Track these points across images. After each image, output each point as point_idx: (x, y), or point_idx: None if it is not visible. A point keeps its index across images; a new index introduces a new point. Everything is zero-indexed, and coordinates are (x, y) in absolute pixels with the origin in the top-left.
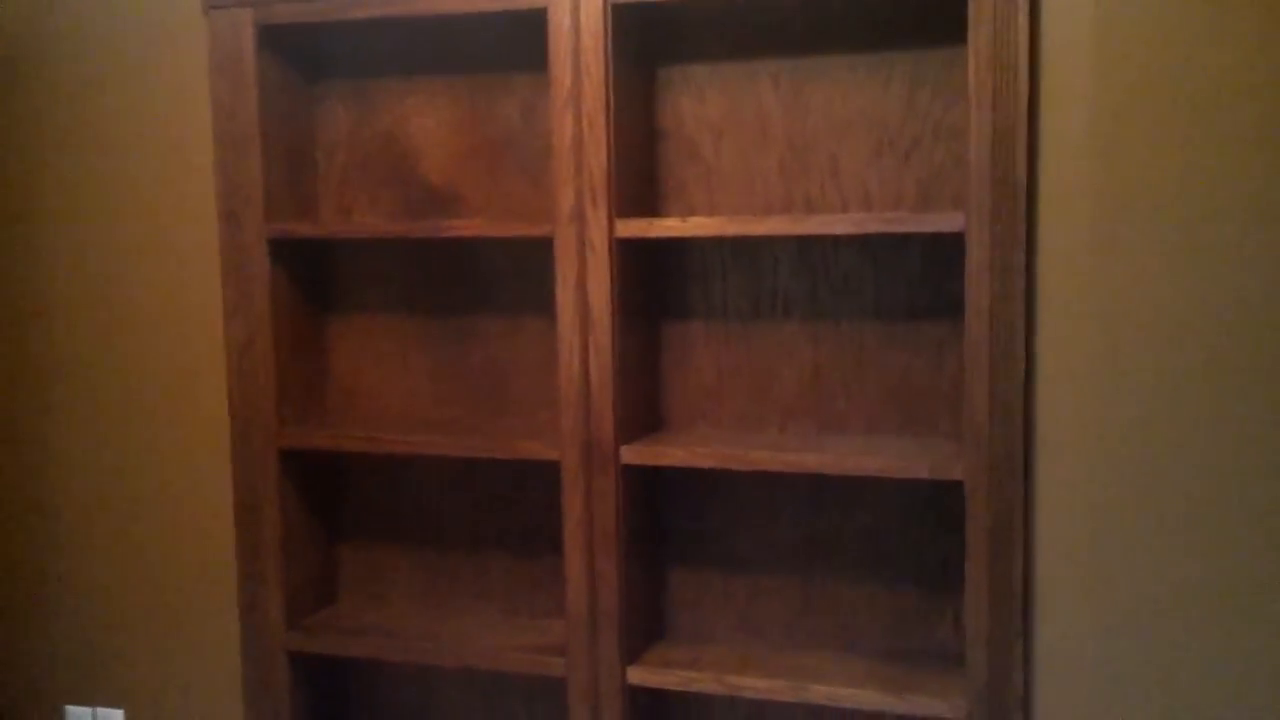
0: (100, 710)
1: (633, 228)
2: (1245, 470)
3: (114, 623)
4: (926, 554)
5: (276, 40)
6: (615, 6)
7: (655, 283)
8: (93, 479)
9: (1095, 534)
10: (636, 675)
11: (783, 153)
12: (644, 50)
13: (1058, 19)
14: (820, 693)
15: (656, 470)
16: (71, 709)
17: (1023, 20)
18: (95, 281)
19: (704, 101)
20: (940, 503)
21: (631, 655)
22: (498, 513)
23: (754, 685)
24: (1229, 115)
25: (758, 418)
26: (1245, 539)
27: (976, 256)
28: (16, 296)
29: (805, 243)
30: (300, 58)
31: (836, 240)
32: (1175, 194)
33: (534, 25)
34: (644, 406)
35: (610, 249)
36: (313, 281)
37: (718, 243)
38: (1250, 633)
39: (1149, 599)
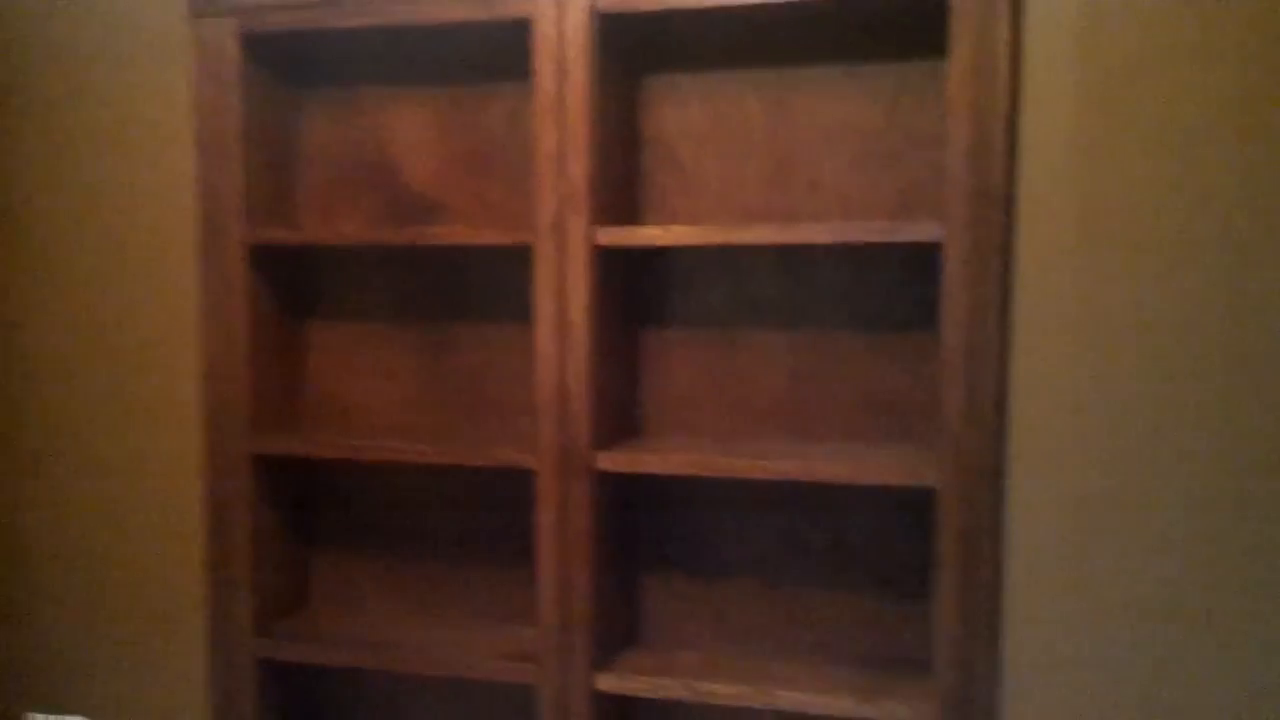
0: (67, 718)
1: (613, 236)
2: (1218, 479)
3: (81, 630)
4: (898, 561)
5: (261, 48)
6: (600, 15)
7: (635, 290)
8: (63, 483)
9: (1067, 543)
10: (605, 683)
11: (764, 162)
12: (628, 59)
13: (1040, 32)
14: (788, 699)
15: (632, 477)
16: (36, 717)
17: (1004, 33)
18: (73, 285)
19: (687, 110)
20: (913, 510)
21: (603, 662)
22: (472, 519)
23: (722, 691)
24: (1209, 128)
25: (734, 425)
26: (1218, 548)
27: (954, 267)
28: None
29: (785, 251)
30: (284, 66)
31: (816, 249)
32: (1154, 206)
33: (518, 33)
34: (621, 413)
35: (590, 257)
36: (292, 287)
37: (698, 251)
38: (1223, 641)
39: (1119, 608)
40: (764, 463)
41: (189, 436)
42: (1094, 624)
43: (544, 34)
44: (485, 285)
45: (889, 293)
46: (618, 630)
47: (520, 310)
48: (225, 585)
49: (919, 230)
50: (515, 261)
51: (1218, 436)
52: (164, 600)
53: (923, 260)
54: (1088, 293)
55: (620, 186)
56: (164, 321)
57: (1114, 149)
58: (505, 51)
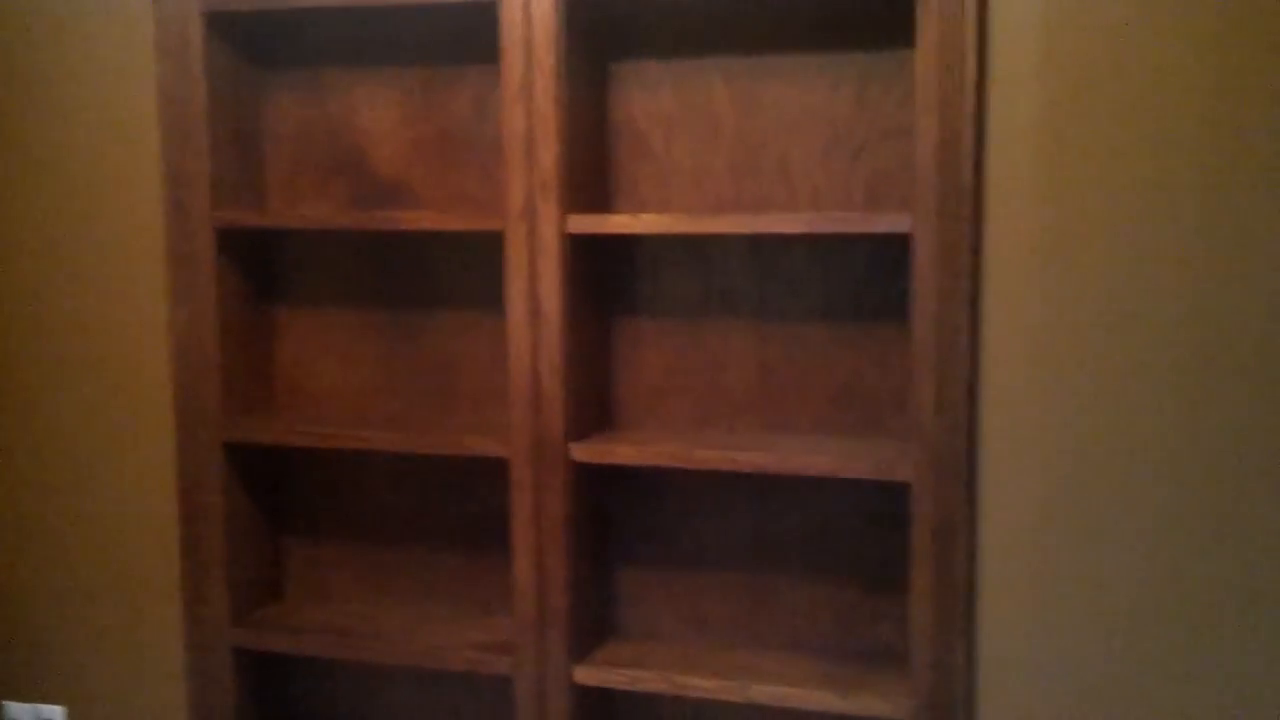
0: (42, 707)
1: (584, 224)
2: (1191, 472)
3: (55, 618)
4: (872, 553)
5: (224, 27)
6: (567, 0)
7: (605, 278)
8: (34, 471)
9: (1040, 535)
10: (583, 675)
11: (733, 150)
12: (596, 44)
13: (1006, 23)
14: (765, 693)
15: (606, 467)
16: (11, 705)
17: (970, 24)
18: (38, 270)
19: (656, 97)
20: (886, 502)
21: (579, 653)
22: (446, 509)
23: (700, 685)
24: (1176, 119)
25: (707, 416)
26: (1191, 541)
27: (923, 258)
28: None
29: (755, 241)
30: (249, 45)
31: (786, 239)
32: (1122, 196)
33: (486, 17)
34: (594, 403)
35: (561, 244)
36: (260, 272)
37: (668, 239)
38: (1197, 635)
39: (1093, 600)
40: (738, 455)
41: (160, 423)
42: (1069, 616)
43: (511, 18)
44: (454, 272)
45: (859, 283)
46: (594, 621)
47: (490, 298)
48: (199, 574)
49: (888, 221)
50: (485, 248)
51: (1189, 430)
52: (139, 589)
53: (893, 251)
54: (1058, 285)
55: (590, 173)
56: (132, 305)
57: (1081, 140)
58: (473, 34)
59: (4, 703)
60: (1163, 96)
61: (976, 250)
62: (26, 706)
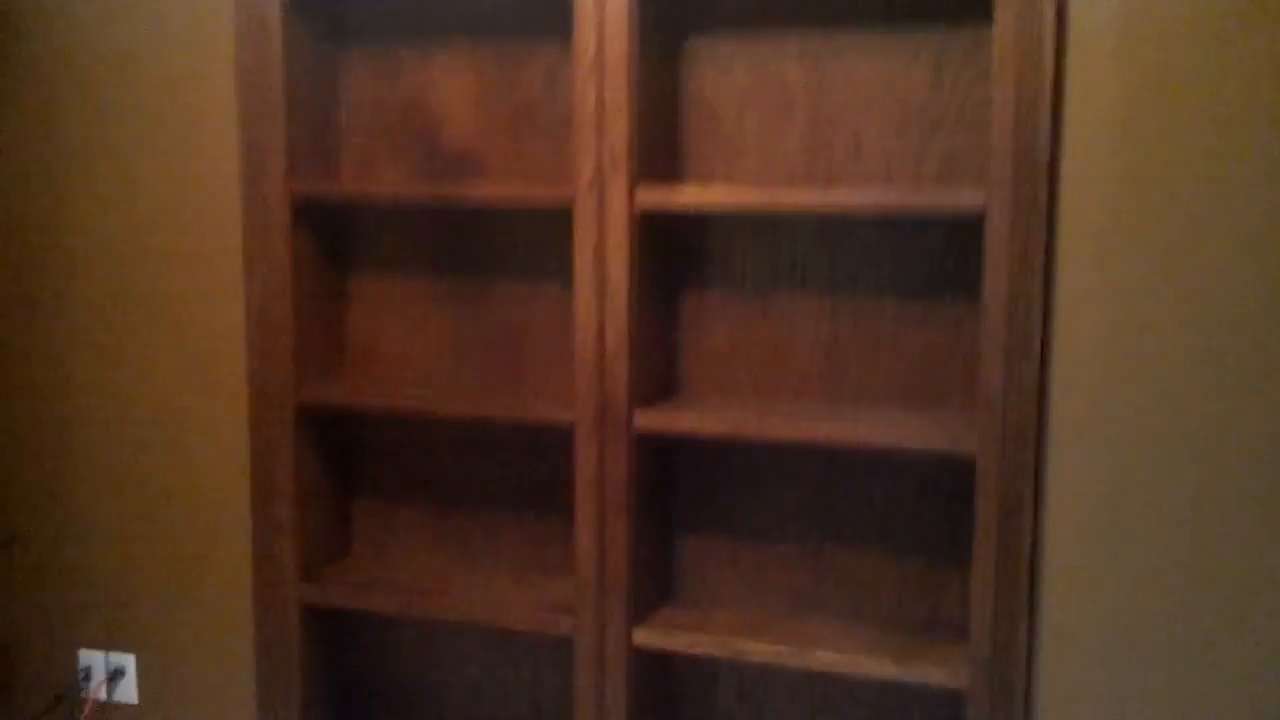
0: (112, 655)
1: (653, 196)
2: (1257, 458)
3: (129, 570)
4: (936, 526)
5: (303, 3)
6: None
7: (673, 250)
8: (113, 430)
9: (1105, 514)
10: (642, 637)
11: (806, 126)
12: (669, 20)
13: (1084, 1)
14: (823, 659)
15: (669, 435)
16: (85, 652)
17: (1049, 1)
18: (117, 242)
19: (728, 73)
20: (951, 477)
21: (638, 617)
22: (511, 473)
23: (758, 649)
24: (1254, 102)
25: (771, 388)
26: (1253, 527)
27: (996, 235)
28: (44, 253)
29: (825, 216)
30: (326, 22)
31: (856, 214)
32: (1198, 179)
33: None
34: (658, 372)
35: (630, 217)
36: (333, 242)
37: (737, 214)
38: (1255, 617)
39: (1155, 580)
40: (802, 425)
41: (235, 385)
42: (1130, 596)
43: None
44: (523, 242)
45: (929, 259)
46: (654, 586)
47: (557, 269)
48: (270, 531)
49: (962, 197)
50: (554, 220)
51: (1258, 416)
52: (211, 545)
53: (965, 227)
54: (1131, 266)
55: (660, 148)
56: (210, 272)
57: (1159, 119)
58: (545, 9)
59: (79, 650)
60: (1244, 76)
61: (1050, 229)
62: (99, 654)
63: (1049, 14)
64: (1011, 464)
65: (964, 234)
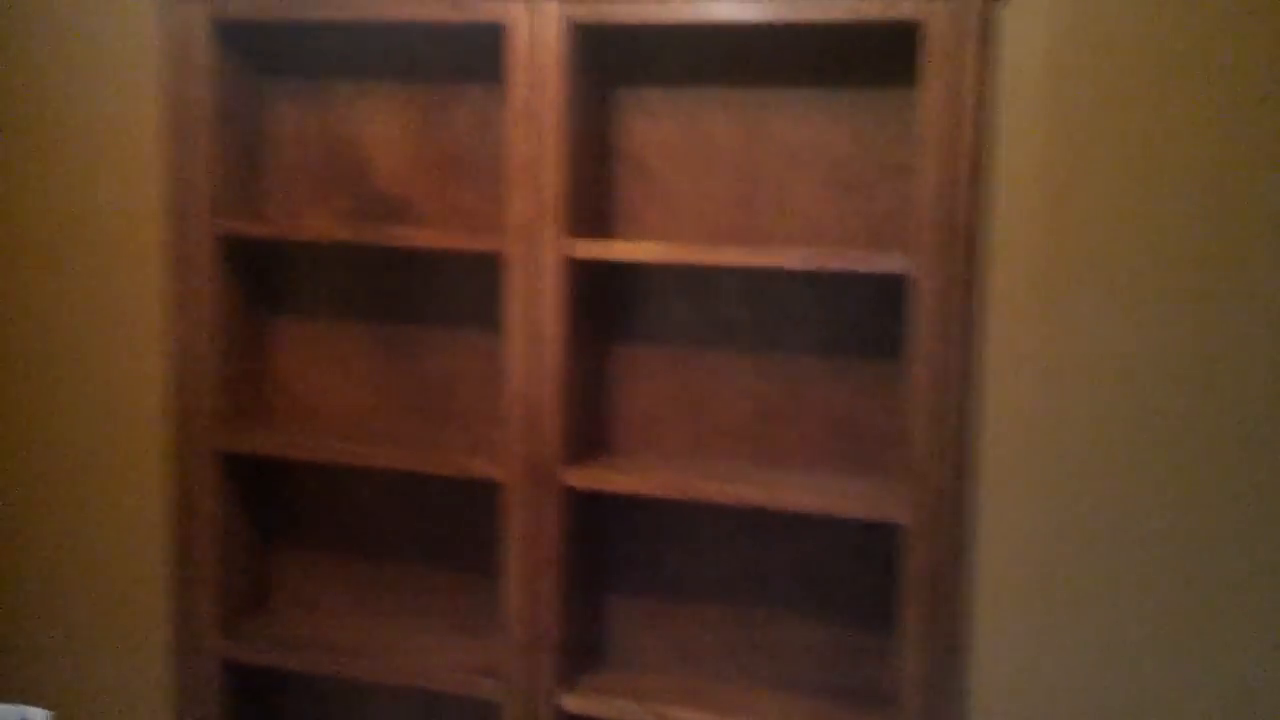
0: (27, 709)
1: (586, 248)
2: (1188, 512)
3: (44, 621)
4: (865, 592)
5: (231, 36)
6: (574, 25)
7: (604, 304)
8: (26, 473)
9: (1036, 580)
10: (572, 703)
11: (734, 180)
12: (601, 70)
13: (1011, 67)
14: None
15: (599, 493)
16: None
17: (973, 65)
18: (36, 272)
19: (659, 125)
20: (880, 541)
21: (568, 681)
22: (438, 527)
23: (689, 718)
24: (1180, 166)
25: (701, 445)
26: (1187, 582)
27: (922, 300)
28: None
29: (755, 273)
30: (255, 55)
31: (785, 273)
32: (1124, 243)
33: (491, 37)
34: (589, 429)
35: (563, 268)
36: (259, 282)
37: (669, 268)
38: (1192, 677)
39: (1088, 648)
40: (732, 488)
41: (155, 430)
42: (1061, 661)
43: (518, 40)
44: (453, 289)
45: (858, 319)
46: (583, 649)
47: (488, 316)
48: (189, 583)
49: (887, 262)
50: (485, 267)
51: (1188, 471)
52: (129, 596)
53: (891, 289)
54: (1057, 327)
55: (591, 198)
56: (131, 313)
57: (1084, 184)
58: (476, 53)
59: None
60: (1167, 142)
61: (976, 292)
62: (12, 708)
63: (973, 79)
64: (939, 532)
65: (891, 295)
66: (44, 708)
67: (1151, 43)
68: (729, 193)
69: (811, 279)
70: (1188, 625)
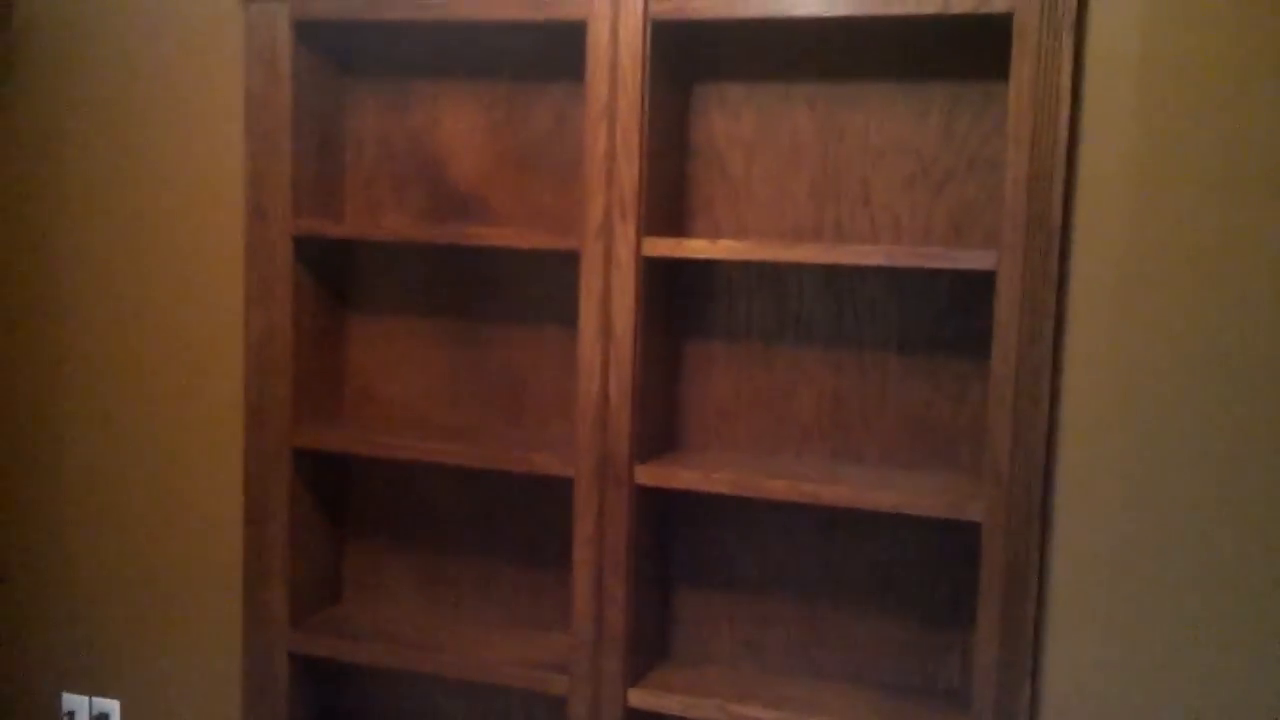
0: (96, 700)
1: (661, 246)
2: (1272, 520)
3: (116, 613)
4: (937, 589)
5: (312, 36)
6: (655, 22)
7: (678, 301)
8: (102, 469)
9: (1112, 581)
10: (638, 698)
11: (814, 176)
12: (681, 67)
13: (1102, 60)
14: None
15: (669, 490)
16: (68, 696)
17: (1067, 59)
18: (116, 271)
19: (738, 121)
20: (954, 538)
21: (634, 676)
22: (508, 522)
23: (756, 715)
24: (1269, 164)
25: (773, 442)
26: (1262, 591)
27: (1007, 296)
28: (38, 281)
29: (832, 269)
30: (334, 54)
31: (864, 269)
32: (1211, 242)
33: (571, 35)
34: (660, 425)
35: (638, 266)
36: (334, 280)
37: (744, 265)
38: (1270, 686)
39: (1162, 649)
40: (806, 486)
41: (231, 426)
42: (1134, 665)
43: (598, 38)
44: (527, 286)
45: (938, 315)
46: (650, 644)
47: (560, 313)
48: (261, 577)
49: (972, 258)
50: (559, 264)
51: (1274, 472)
52: (201, 588)
53: (973, 285)
54: (1144, 327)
55: (668, 195)
56: (208, 311)
57: (1173, 180)
58: (555, 51)
59: (62, 694)
60: (1258, 138)
61: (1062, 289)
62: (83, 698)
63: (1065, 73)
64: (1017, 529)
65: (972, 291)
66: (114, 698)
67: (1243, 36)
68: (808, 188)
69: (890, 274)
70: (1268, 628)
